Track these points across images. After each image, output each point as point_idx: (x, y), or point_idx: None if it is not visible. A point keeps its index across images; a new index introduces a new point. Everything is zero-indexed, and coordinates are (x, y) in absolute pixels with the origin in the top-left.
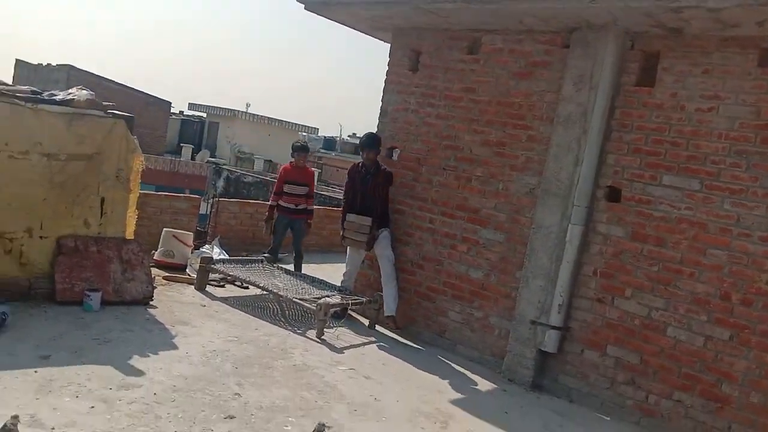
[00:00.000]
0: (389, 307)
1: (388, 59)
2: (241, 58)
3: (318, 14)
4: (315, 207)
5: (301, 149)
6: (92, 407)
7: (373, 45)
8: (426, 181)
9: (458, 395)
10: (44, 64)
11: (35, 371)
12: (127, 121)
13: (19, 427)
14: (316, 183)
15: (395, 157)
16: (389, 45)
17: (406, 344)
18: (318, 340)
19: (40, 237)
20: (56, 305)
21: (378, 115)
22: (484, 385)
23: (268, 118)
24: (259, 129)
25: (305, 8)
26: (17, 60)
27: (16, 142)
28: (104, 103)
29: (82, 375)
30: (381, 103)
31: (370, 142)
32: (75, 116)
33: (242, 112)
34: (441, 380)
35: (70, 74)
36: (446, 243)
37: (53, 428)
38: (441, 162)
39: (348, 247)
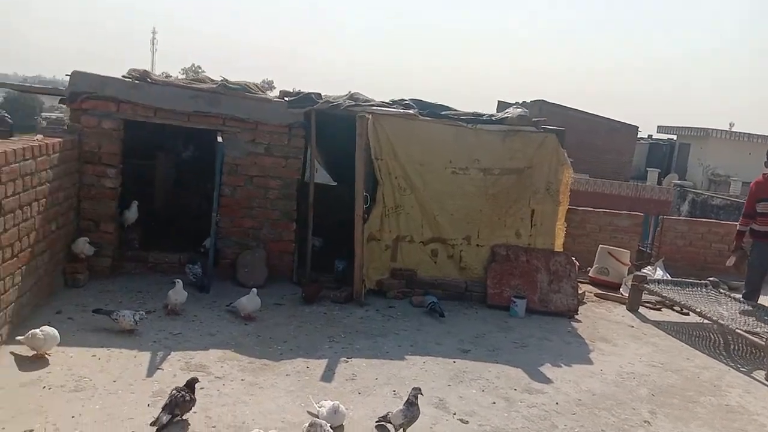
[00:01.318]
0: None
1: None
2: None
3: None
4: None
5: None
6: (494, 403)
7: None
8: None
9: None
10: (521, 101)
11: (454, 362)
12: (558, 135)
13: (426, 406)
14: None
15: None
16: None
17: None
18: (766, 382)
19: (477, 245)
20: (486, 308)
21: None
22: None
23: (748, 134)
24: (737, 148)
25: None
26: (499, 101)
27: (458, 159)
28: (535, 119)
29: (492, 372)
30: None
31: None
32: (509, 133)
33: (717, 130)
34: None
35: (542, 108)
36: None
37: (454, 413)
38: None
39: None
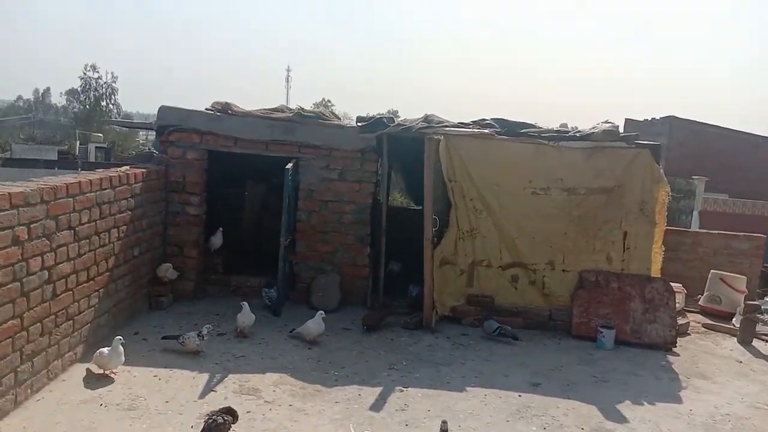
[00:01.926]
0: None
1: None
2: None
3: None
4: None
5: None
6: None
7: None
8: None
9: None
10: (649, 119)
11: (519, 396)
12: (652, 150)
13: None
14: None
15: None
16: None
17: None
18: None
19: (563, 270)
20: (570, 338)
21: None
22: None
23: None
24: None
25: None
26: (626, 119)
27: (538, 179)
28: (626, 134)
29: (560, 409)
30: None
31: None
32: (595, 150)
33: None
34: None
35: (672, 125)
36: None
37: None
38: None
39: None
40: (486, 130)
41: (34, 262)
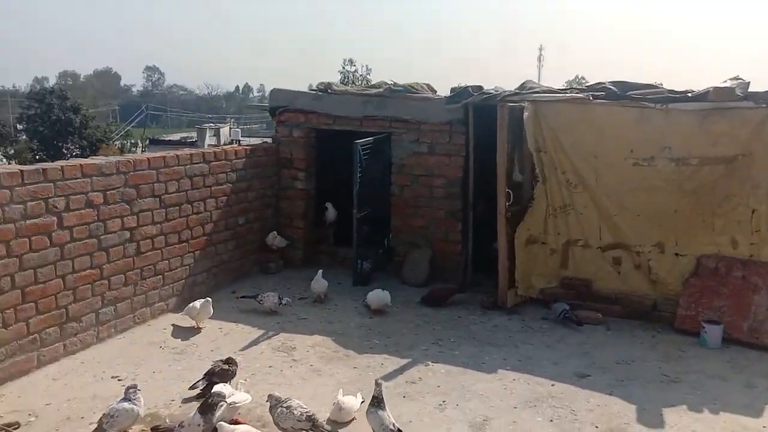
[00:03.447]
0: None
1: None
2: None
3: None
4: None
5: None
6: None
7: None
8: None
9: None
10: None
11: (552, 384)
12: None
13: (461, 423)
14: None
15: None
16: None
17: None
18: None
19: (675, 254)
20: (672, 332)
21: None
22: None
23: None
24: None
25: None
26: None
27: (641, 148)
28: (754, 91)
29: (590, 403)
30: None
31: None
32: (709, 113)
33: None
34: None
35: None
36: None
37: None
38: None
39: None
40: (580, 95)
41: (113, 223)
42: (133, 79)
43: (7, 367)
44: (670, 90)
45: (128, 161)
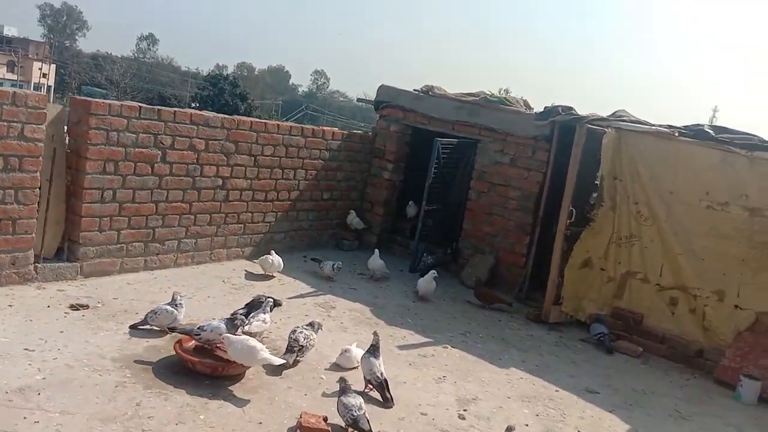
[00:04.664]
0: None
1: None
2: None
3: None
4: None
5: None
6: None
7: None
8: None
9: None
10: None
11: (556, 390)
12: None
13: (450, 395)
14: None
15: None
16: None
17: None
18: None
19: (735, 306)
20: (709, 380)
21: None
22: None
23: None
24: None
25: None
26: None
27: (718, 192)
28: None
29: (585, 413)
30: None
31: None
32: None
33: None
34: None
35: None
36: None
37: (458, 413)
38: None
39: None
40: (667, 130)
41: (208, 169)
42: (301, 80)
43: (95, 264)
44: (761, 139)
45: (233, 119)
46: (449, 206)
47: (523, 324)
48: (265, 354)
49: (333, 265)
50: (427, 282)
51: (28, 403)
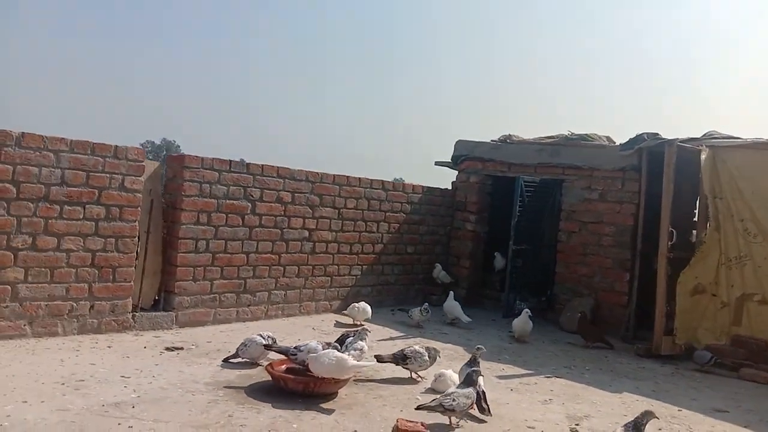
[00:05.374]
0: None
1: None
2: None
3: None
4: None
5: None
6: None
7: None
8: None
9: None
10: None
11: (679, 410)
12: None
13: (559, 414)
14: None
15: None
16: None
17: None
18: None
19: None
20: None
21: None
22: None
23: None
24: None
25: None
26: None
27: None
28: None
29: (716, 428)
30: None
31: None
32: None
33: None
34: None
35: None
36: None
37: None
38: None
39: None
40: (764, 139)
41: (295, 221)
42: None
43: (189, 314)
44: None
45: (317, 173)
46: (539, 251)
47: (632, 359)
48: (355, 362)
49: (420, 309)
50: (522, 322)
51: (123, 414)
